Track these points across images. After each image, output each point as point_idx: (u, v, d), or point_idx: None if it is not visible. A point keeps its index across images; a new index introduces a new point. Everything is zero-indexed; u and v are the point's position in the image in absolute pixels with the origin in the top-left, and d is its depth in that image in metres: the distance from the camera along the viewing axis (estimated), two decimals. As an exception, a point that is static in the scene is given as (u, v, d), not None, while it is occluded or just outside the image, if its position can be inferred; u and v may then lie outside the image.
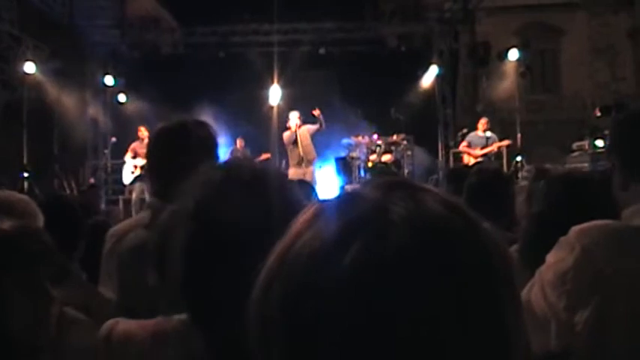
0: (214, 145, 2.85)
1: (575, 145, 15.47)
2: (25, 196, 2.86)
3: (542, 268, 2.04)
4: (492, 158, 15.11)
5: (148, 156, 2.92)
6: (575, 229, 1.98)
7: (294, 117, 14.29)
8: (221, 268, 1.43)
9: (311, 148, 14.35)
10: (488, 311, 0.73)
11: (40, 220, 2.70)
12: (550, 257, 2.01)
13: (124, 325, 1.58)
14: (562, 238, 1.99)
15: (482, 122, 15.38)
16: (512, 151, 16.68)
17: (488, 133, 15.21)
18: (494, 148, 15.03)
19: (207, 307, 1.47)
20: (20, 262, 1.66)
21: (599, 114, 14.56)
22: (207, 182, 1.52)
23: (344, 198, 0.80)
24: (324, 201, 0.81)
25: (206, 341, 1.46)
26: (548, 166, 3.22)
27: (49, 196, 3.06)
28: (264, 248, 1.42)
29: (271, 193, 1.49)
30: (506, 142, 15.34)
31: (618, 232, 1.97)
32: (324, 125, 14.29)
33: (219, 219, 1.45)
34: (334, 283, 0.71)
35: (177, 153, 2.63)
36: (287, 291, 0.74)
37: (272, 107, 18.47)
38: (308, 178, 13.77)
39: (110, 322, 1.59)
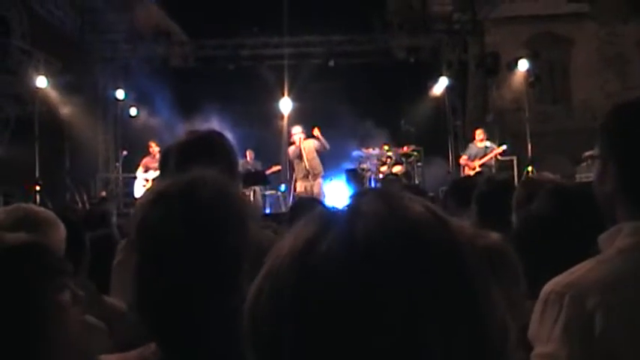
0: (235, 156, 2.89)
1: (584, 155, 15.41)
2: (45, 209, 2.89)
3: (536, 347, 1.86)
4: (494, 169, 15.11)
5: (174, 164, 2.85)
6: (557, 281, 1.86)
7: (297, 131, 14.35)
8: (161, 286, 1.47)
9: (317, 162, 14.37)
10: (460, 301, 0.76)
11: (62, 232, 2.73)
12: (541, 328, 1.84)
13: None
14: (545, 295, 1.86)
15: (479, 133, 15.47)
16: (522, 161, 16.65)
17: (488, 143, 15.28)
18: (490, 157, 15.05)
19: (162, 328, 1.51)
20: (26, 276, 1.69)
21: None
22: (142, 202, 1.56)
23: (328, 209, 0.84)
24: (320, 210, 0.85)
25: None
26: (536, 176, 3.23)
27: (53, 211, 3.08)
28: (199, 263, 1.45)
29: (201, 206, 1.50)
30: (500, 149, 15.34)
31: (601, 272, 1.82)
32: (327, 146, 14.35)
33: (153, 239, 1.48)
34: (310, 278, 0.75)
35: (203, 163, 2.61)
36: (274, 289, 0.78)
37: (282, 119, 18.52)
38: (315, 190, 13.82)
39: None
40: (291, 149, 14.54)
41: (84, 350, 1.80)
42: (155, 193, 1.56)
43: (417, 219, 0.79)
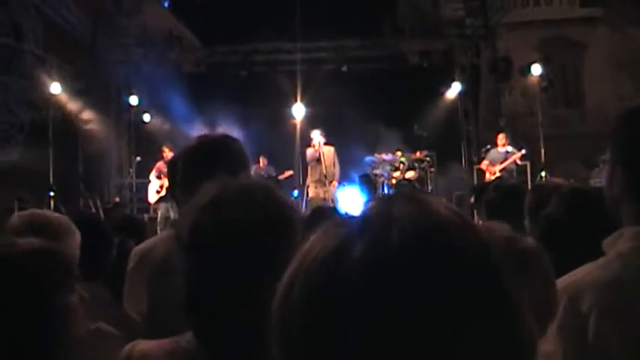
0: (246, 160, 2.88)
1: (600, 159, 15.35)
2: (61, 215, 2.90)
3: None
4: (514, 173, 15.10)
5: (176, 171, 2.89)
6: (558, 283, 1.89)
7: (316, 135, 14.38)
8: (214, 288, 1.53)
9: (332, 169, 14.40)
10: (494, 305, 0.76)
11: (77, 238, 2.74)
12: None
13: (142, 345, 1.71)
14: None
15: (501, 137, 15.50)
16: (536, 166, 16.61)
17: (509, 148, 15.28)
18: (510, 161, 15.04)
19: (206, 325, 1.57)
20: (35, 280, 1.72)
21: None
22: (196, 207, 1.59)
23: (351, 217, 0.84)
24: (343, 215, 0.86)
25: (210, 356, 1.57)
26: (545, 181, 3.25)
27: (77, 215, 3.10)
28: (253, 266, 1.49)
29: (256, 211, 1.55)
30: (519, 154, 15.33)
31: (599, 274, 1.87)
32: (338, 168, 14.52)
33: (208, 244, 1.53)
34: (345, 280, 0.75)
35: (212, 167, 2.60)
36: (306, 291, 0.78)
37: (295, 125, 18.53)
38: (328, 196, 13.82)
39: (131, 343, 1.73)
40: (310, 151, 14.56)
41: (91, 352, 1.82)
42: (208, 200, 1.59)
43: (449, 223, 0.79)
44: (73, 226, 2.77)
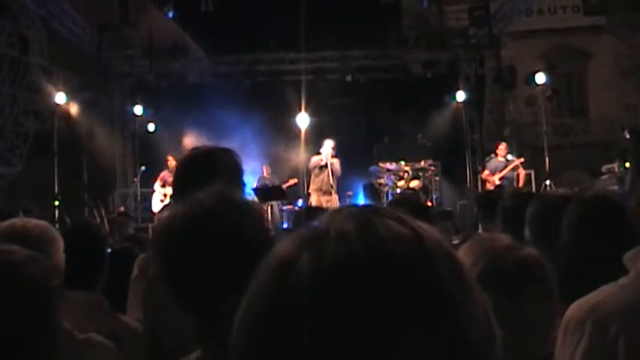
0: (239, 172, 2.89)
1: (604, 168, 15.35)
2: (43, 222, 2.86)
3: None
4: (515, 182, 15.03)
5: (174, 182, 2.94)
6: (578, 306, 1.85)
7: (328, 145, 14.33)
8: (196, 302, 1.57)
9: (334, 180, 14.38)
10: (434, 318, 0.75)
11: (60, 246, 2.70)
12: (562, 352, 1.83)
13: None
14: (566, 321, 1.84)
15: (501, 147, 15.47)
16: (540, 175, 16.59)
17: (509, 157, 15.24)
18: (509, 169, 15.00)
19: (212, 327, 1.55)
20: (28, 290, 1.74)
21: (628, 136, 14.43)
22: (169, 219, 1.63)
23: (307, 228, 0.84)
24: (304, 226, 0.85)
25: None
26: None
27: (71, 225, 3.10)
28: (225, 279, 1.49)
29: (227, 228, 1.57)
30: (519, 161, 15.31)
31: (624, 296, 1.80)
32: (339, 172, 14.42)
33: (182, 258, 1.56)
34: (279, 304, 0.77)
35: (204, 179, 2.64)
36: (258, 308, 0.79)
37: (299, 135, 18.54)
38: (331, 205, 13.79)
39: None
40: (316, 159, 14.49)
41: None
42: (175, 217, 1.62)
43: (385, 240, 0.78)
44: (55, 232, 2.74)
